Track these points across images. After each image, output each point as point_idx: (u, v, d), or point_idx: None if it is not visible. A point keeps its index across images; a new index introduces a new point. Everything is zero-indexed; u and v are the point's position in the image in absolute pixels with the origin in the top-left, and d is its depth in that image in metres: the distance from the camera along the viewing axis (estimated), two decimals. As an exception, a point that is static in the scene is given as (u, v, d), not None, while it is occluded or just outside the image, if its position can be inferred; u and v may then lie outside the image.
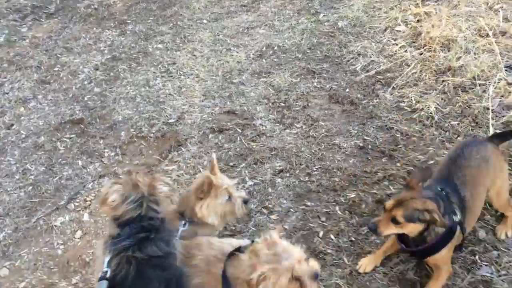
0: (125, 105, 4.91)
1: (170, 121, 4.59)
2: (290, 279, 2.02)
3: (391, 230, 2.56)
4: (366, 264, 2.98)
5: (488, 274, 2.84)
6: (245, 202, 2.81)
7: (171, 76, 5.36)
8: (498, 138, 3.06)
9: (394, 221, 2.52)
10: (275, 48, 5.72)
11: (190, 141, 4.29)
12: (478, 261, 2.93)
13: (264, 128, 4.37)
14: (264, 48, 5.73)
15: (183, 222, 2.69)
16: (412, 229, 2.55)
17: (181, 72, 5.41)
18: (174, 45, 6.05)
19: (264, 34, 6.04)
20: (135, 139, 4.41)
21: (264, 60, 5.51)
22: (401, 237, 2.72)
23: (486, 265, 2.89)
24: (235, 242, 2.49)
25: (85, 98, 5.11)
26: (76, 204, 3.84)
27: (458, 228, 2.62)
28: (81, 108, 4.94)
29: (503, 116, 4.08)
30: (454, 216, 2.59)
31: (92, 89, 5.26)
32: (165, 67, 5.56)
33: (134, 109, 4.83)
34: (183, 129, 4.45)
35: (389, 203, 2.57)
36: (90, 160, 4.25)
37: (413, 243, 2.67)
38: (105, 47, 6.16)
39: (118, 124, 4.63)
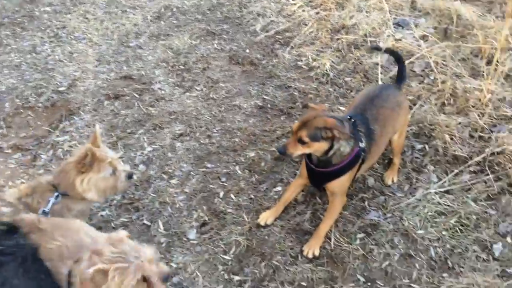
0: (9, 73, 4.49)
1: (60, 89, 4.28)
2: (139, 280, 1.86)
3: (299, 150, 2.65)
4: (267, 217, 3.06)
5: (376, 218, 3.05)
6: (130, 176, 2.67)
7: (61, 41, 4.99)
8: (401, 82, 3.20)
9: (301, 141, 2.60)
10: (174, 9, 5.53)
11: (83, 110, 4.05)
12: (367, 206, 3.13)
13: (163, 92, 4.25)
14: (163, 10, 5.51)
15: (55, 194, 2.49)
16: (318, 147, 2.63)
17: (72, 37, 5.05)
18: (64, 7, 5.61)
19: (162, -5, 5.80)
20: (22, 110, 4.07)
21: (162, 22, 5.31)
22: (311, 160, 2.80)
23: (374, 210, 3.10)
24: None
25: (-38, 68, 4.61)
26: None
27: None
28: (-42, 79, 4.46)
29: (391, 71, 4.31)
30: (360, 143, 2.72)
31: (-30, 58, 4.76)
32: (54, 31, 5.15)
33: (19, 78, 4.43)
34: (75, 97, 4.18)
35: (295, 125, 2.66)
36: (-29, 135, 3.88)
37: (321, 166, 2.77)
38: (-16, 11, 5.56)
39: (1, 94, 4.24)
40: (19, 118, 4.00)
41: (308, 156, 2.78)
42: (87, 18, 5.38)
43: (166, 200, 3.24)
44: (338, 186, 2.80)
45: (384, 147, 3.07)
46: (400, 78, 3.19)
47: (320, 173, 2.78)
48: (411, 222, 2.96)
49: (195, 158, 3.60)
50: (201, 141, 3.74)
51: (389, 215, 3.05)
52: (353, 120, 2.76)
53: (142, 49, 4.85)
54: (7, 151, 3.69)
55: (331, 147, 2.63)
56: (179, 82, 4.38)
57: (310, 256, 2.84)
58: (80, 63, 4.64)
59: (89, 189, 2.51)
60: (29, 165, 3.57)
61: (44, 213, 2.37)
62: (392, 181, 3.30)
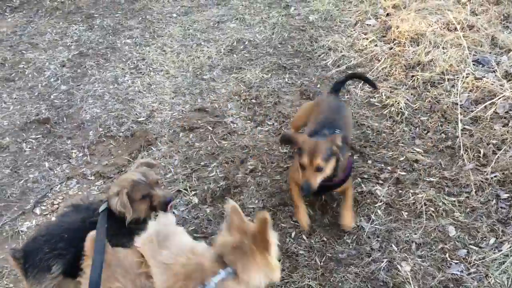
0: (93, 103, 4.78)
1: (139, 119, 4.49)
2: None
3: (319, 178, 2.91)
4: (303, 219, 3.18)
5: (458, 273, 2.88)
6: None
7: (141, 72, 5.25)
8: (337, 91, 3.77)
9: (318, 169, 2.87)
10: (246, 43, 5.66)
11: (160, 140, 4.20)
12: (448, 259, 2.98)
13: (235, 125, 4.33)
14: (235, 43, 5.66)
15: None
16: (331, 166, 2.94)
17: (151, 68, 5.30)
18: (143, 40, 5.92)
19: (235, 29, 5.96)
20: (104, 139, 4.31)
21: (235, 55, 5.45)
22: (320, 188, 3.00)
23: (456, 263, 2.94)
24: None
25: (51, 97, 4.95)
26: (43, 208, 3.72)
27: None
28: (47, 107, 4.78)
29: (471, 111, 4.14)
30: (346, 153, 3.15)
31: (58, 87, 5.10)
32: (134, 63, 5.43)
33: (103, 107, 4.70)
34: (153, 128, 4.36)
35: (304, 160, 2.90)
36: (58, 161, 4.12)
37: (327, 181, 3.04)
38: (71, 42, 5.97)
39: (86, 123, 4.51)
40: (102, 146, 4.22)
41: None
42: (164, 51, 5.63)
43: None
44: (347, 185, 3.21)
45: None
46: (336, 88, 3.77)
47: (330, 185, 3.12)
48: (498, 280, 2.77)
49: (266, 194, 3.60)
50: (273, 177, 3.74)
51: (472, 270, 2.87)
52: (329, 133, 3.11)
53: (215, 82, 4.99)
54: (90, 178, 3.89)
55: (337, 162, 2.95)
56: (250, 116, 4.45)
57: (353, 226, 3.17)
58: (157, 94, 4.85)
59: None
60: (109, 193, 3.73)
61: None
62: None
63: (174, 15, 6.48)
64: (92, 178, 3.91)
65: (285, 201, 3.51)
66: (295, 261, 3.05)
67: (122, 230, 2.59)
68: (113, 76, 5.21)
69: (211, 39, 5.80)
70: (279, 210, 3.45)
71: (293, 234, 3.25)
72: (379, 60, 5.02)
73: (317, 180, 2.90)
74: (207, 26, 6.08)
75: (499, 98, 4.13)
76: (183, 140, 4.21)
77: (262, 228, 2.00)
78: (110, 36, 6.06)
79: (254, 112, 4.50)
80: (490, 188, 3.37)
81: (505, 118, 4.00)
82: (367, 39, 5.42)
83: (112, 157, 4.12)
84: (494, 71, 4.51)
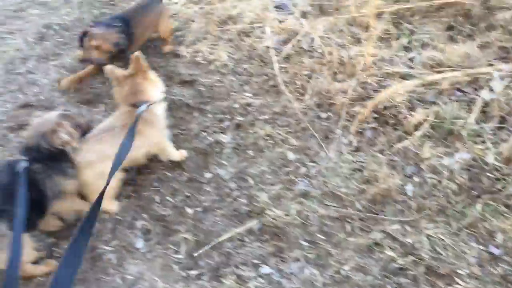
0: None
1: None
2: None
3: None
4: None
5: (304, 188, 3.38)
6: None
7: None
8: None
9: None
10: (56, 27, 5.32)
11: (-12, 148, 3.84)
12: (294, 178, 3.46)
13: (69, 112, 4.14)
14: (44, 30, 5.28)
15: None
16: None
17: (-51, 74, 4.67)
18: None
19: (38, 14, 5.54)
20: None
21: (47, 42, 5.10)
22: None
23: (300, 181, 3.43)
24: None
25: None
26: None
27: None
28: None
29: (282, 51, 4.65)
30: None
31: None
32: None
33: None
34: (-25, 137, 3.94)
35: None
36: None
37: None
38: None
39: None
40: None
41: None
42: (-41, 51, 4.98)
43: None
44: None
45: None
46: None
47: None
48: (334, 183, 3.34)
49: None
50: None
51: (314, 181, 3.40)
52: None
53: (33, 74, 4.64)
54: None
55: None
56: (84, 100, 4.31)
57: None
58: (-33, 101, 4.33)
59: None
60: None
61: None
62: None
63: (-41, 9, 5.70)
64: None
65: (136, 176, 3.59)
66: (166, 222, 3.21)
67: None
68: None
69: (15, 29, 5.30)
70: (140, 182, 3.52)
71: (157, 199, 3.38)
72: (193, 21, 5.24)
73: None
74: (5, 17, 5.51)
75: (302, 35, 4.72)
76: (15, 140, 3.90)
77: (137, 63, 3.14)
78: None
79: (86, 93, 4.36)
80: (311, 112, 3.94)
81: (309, 51, 4.60)
82: (177, 3, 5.58)
83: None
84: (293, 13, 5.10)
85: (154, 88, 3.32)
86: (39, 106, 4.23)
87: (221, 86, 4.37)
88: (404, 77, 4.04)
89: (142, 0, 4.66)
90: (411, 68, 4.10)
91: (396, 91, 3.83)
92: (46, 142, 2.77)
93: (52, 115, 2.96)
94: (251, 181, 3.43)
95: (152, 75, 3.33)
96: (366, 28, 4.61)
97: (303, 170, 3.50)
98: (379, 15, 4.64)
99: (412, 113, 3.68)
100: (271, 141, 3.73)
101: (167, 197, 3.38)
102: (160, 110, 3.33)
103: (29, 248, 2.78)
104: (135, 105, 3.11)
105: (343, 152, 3.57)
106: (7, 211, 2.45)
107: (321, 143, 3.69)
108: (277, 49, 4.72)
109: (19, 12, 5.62)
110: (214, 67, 4.59)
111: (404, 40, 4.39)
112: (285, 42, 4.77)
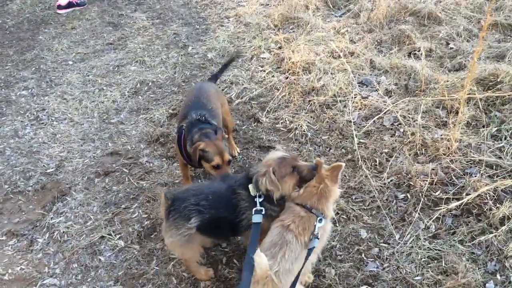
0: (-6, 160, 4.53)
1: (48, 171, 4.35)
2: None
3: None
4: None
5: (375, 269, 3.22)
6: None
7: (42, 123, 5.09)
8: (214, 79, 4.63)
9: (228, 162, 3.48)
10: (150, 83, 5.77)
11: (75, 189, 4.11)
12: (364, 258, 3.32)
13: (151, 164, 4.38)
14: (139, 85, 5.74)
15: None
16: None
17: (53, 118, 5.16)
18: (41, 90, 5.74)
19: (136, 71, 6.04)
20: (11, 196, 4.09)
21: (140, 97, 5.52)
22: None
23: (371, 261, 3.29)
24: None
25: None
26: (-51, 278, 3.42)
27: None
28: None
29: (363, 126, 4.65)
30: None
31: (-50, 147, 4.75)
32: (33, 114, 5.25)
33: (5, 163, 4.47)
34: (65, 177, 4.25)
35: (218, 161, 3.40)
36: (-40, 226, 3.83)
37: None
38: (-41, 99, 5.60)
39: (-12, 182, 4.25)
40: (10, 204, 4.01)
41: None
42: (65, 99, 5.52)
43: (171, 272, 3.30)
44: None
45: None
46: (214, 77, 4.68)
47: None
48: (407, 269, 3.16)
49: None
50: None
51: (386, 264, 3.24)
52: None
53: (124, 124, 5.01)
54: (1, 238, 3.67)
55: None
56: (165, 153, 4.53)
57: None
58: (64, 143, 4.73)
59: None
60: (26, 250, 3.56)
61: None
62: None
63: (70, 62, 6.38)
64: (4, 238, 3.69)
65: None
66: (229, 285, 3.18)
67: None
68: (12, 129, 4.98)
69: (113, 83, 5.82)
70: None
71: (224, 260, 3.38)
72: (278, 89, 5.43)
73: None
74: (107, 71, 6.08)
75: (384, 113, 4.71)
76: (99, 185, 4.16)
77: (336, 170, 2.84)
78: (3, 90, 5.78)
79: (168, 149, 4.59)
80: (388, 191, 3.83)
81: (391, 129, 4.57)
82: (264, 71, 5.84)
83: (23, 213, 3.92)
84: (376, 90, 5.14)
85: (333, 202, 2.92)
86: (125, 156, 4.51)
87: (299, 154, 4.41)
88: (491, 166, 3.85)
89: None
90: (499, 158, 3.90)
91: (481, 181, 3.64)
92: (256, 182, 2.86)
93: (275, 154, 2.97)
94: (319, 255, 3.33)
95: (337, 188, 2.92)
96: (454, 112, 4.51)
97: (375, 250, 3.35)
98: (468, 100, 4.53)
99: (499, 205, 3.45)
100: (345, 216, 3.65)
101: (234, 259, 3.38)
102: (329, 226, 2.94)
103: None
104: (310, 209, 2.77)
105: (420, 237, 3.39)
106: (205, 213, 2.82)
107: (396, 225, 3.54)
108: (358, 124, 4.73)
109: (119, 68, 6.17)
110: (293, 135, 4.67)
111: (493, 129, 4.23)
112: (367, 118, 4.78)
